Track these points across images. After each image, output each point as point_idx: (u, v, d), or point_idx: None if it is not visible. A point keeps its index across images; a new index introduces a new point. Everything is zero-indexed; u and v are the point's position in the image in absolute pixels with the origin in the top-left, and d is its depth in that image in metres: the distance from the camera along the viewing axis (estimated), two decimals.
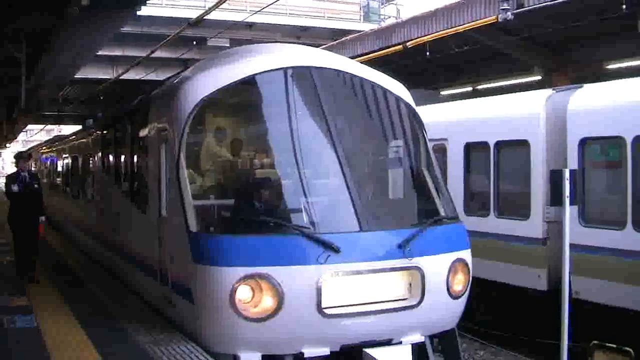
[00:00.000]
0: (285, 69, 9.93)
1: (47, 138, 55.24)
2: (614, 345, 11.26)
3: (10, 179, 14.44)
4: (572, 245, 11.05)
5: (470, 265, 9.85)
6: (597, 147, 13.56)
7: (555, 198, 10.74)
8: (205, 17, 19.56)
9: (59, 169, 26.34)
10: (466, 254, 9.87)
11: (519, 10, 19.08)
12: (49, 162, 30.68)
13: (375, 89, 10.69)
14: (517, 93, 17.31)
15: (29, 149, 43.03)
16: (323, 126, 9.60)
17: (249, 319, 8.42)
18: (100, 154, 16.68)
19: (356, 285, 8.79)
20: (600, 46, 22.04)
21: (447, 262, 9.49)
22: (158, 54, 27.48)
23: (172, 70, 29.09)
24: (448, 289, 9.47)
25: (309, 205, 9.23)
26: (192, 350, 8.85)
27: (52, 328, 10.13)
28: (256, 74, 9.86)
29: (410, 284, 9.10)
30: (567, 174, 10.50)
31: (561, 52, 23.67)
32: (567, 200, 10.51)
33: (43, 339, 9.57)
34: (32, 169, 25.68)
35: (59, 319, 10.67)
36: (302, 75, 9.96)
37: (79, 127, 32.07)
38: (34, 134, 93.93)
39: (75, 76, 26.89)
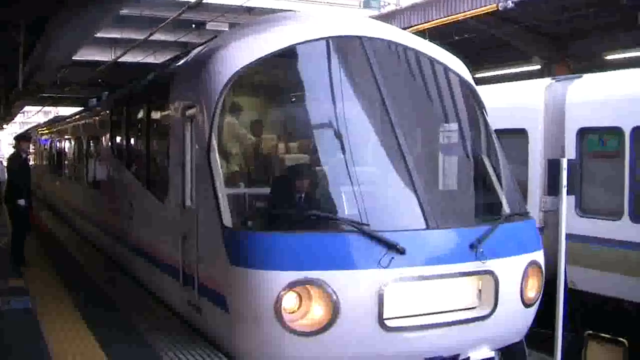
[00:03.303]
0: (332, 39, 8.67)
1: (44, 120, 55.06)
2: (608, 336, 11.29)
3: (19, 161, 14.56)
4: (568, 235, 11.05)
5: (543, 269, 8.71)
6: (595, 137, 13.58)
7: (552, 187, 10.73)
8: (204, 1, 19.52)
9: (61, 152, 25.12)
10: (540, 256, 8.69)
11: None
12: (48, 145, 29.38)
13: (433, 64, 9.41)
14: (515, 82, 17.31)
15: (27, 130, 42.72)
16: (379, 106, 8.32)
17: (297, 332, 7.21)
18: (109, 135, 15.09)
19: (422, 293, 7.58)
20: (600, 37, 22.04)
21: (522, 265, 8.31)
22: (157, 36, 27.47)
23: (170, 53, 28.98)
24: (521, 296, 8.30)
25: (366, 198, 7.79)
26: (190, 337, 8.77)
27: (48, 310, 10.13)
28: (300, 43, 8.56)
29: (479, 291, 7.96)
30: (564, 164, 10.47)
31: (561, 42, 23.66)
32: (564, 190, 10.50)
33: (38, 320, 9.56)
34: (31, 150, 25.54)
35: (55, 302, 10.67)
36: (351, 45, 8.73)
37: (77, 109, 31.80)
38: (32, 116, 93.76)
39: (74, 58, 26.78)
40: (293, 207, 8.04)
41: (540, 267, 8.60)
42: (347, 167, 7.98)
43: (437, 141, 9.73)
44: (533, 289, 8.47)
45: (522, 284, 8.26)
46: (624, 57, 20.83)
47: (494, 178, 9.17)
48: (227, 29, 30.17)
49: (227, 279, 7.63)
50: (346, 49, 8.81)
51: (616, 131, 12.83)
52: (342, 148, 8.04)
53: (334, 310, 7.12)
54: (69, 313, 9.98)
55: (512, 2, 18.89)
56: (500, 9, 19.26)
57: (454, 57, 9.81)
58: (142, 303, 10.53)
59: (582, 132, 13.47)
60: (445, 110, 9.84)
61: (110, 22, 23.04)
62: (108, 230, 14.54)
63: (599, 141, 13.59)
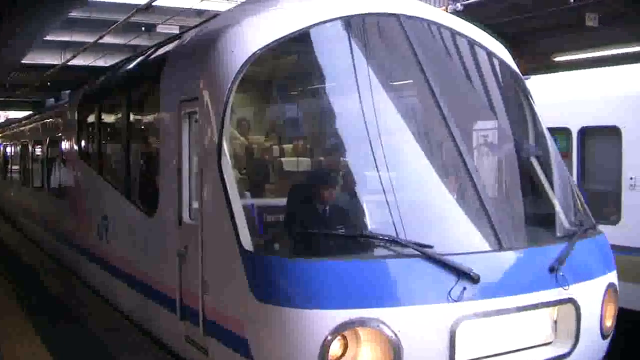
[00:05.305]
0: (367, 16, 7.19)
1: None
2: None
3: None
4: None
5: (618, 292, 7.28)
6: None
7: None
8: (154, 3, 19.39)
9: (14, 157, 23.72)
10: (615, 277, 7.25)
11: (468, 1, 19.25)
12: (1, 150, 28.29)
13: (481, 51, 8.03)
14: None
15: None
16: (427, 99, 6.84)
17: None
18: (78, 138, 13.17)
19: (497, 329, 6.13)
20: (550, 39, 22.34)
21: (601, 289, 6.88)
22: (107, 39, 27.27)
23: (121, 56, 28.78)
24: (601, 327, 6.86)
25: (425, 213, 6.50)
26: (144, 340, 8.72)
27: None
28: (330, 20, 6.97)
29: (555, 322, 6.57)
30: None
31: (511, 43, 23.91)
32: None
33: None
34: None
35: (5, 311, 10.59)
36: (389, 25, 7.22)
37: (26, 113, 31.35)
38: None
39: (23, 61, 26.51)
40: (337, 227, 6.43)
41: (617, 291, 7.21)
42: (403, 177, 6.62)
43: (495, 141, 8.32)
44: (610, 317, 7.10)
45: (602, 311, 6.88)
46: (573, 59, 21.14)
47: (558, 185, 7.79)
48: (177, 32, 30.11)
49: (250, 318, 6.05)
50: (383, 28, 7.31)
51: (564, 131, 12.99)
52: (395, 153, 6.64)
53: (395, 357, 5.66)
54: (19, 321, 9.87)
55: (461, 5, 19.07)
56: (449, 11, 19.41)
57: (495, 40, 8.50)
58: (95, 309, 10.45)
59: None
60: (502, 106, 8.29)
61: (59, 25, 22.80)
62: (74, 246, 13.09)
63: None
